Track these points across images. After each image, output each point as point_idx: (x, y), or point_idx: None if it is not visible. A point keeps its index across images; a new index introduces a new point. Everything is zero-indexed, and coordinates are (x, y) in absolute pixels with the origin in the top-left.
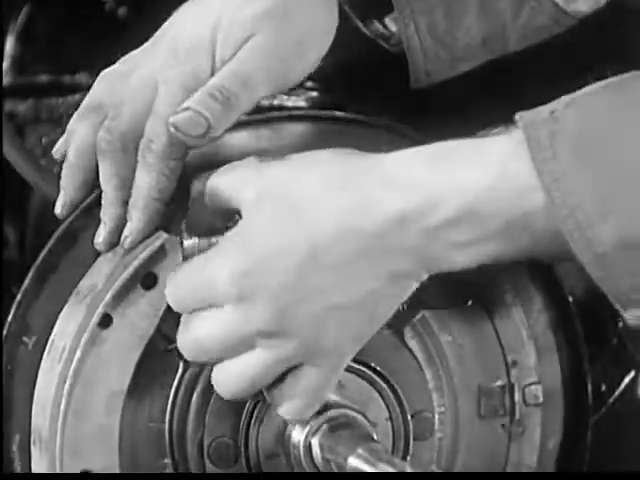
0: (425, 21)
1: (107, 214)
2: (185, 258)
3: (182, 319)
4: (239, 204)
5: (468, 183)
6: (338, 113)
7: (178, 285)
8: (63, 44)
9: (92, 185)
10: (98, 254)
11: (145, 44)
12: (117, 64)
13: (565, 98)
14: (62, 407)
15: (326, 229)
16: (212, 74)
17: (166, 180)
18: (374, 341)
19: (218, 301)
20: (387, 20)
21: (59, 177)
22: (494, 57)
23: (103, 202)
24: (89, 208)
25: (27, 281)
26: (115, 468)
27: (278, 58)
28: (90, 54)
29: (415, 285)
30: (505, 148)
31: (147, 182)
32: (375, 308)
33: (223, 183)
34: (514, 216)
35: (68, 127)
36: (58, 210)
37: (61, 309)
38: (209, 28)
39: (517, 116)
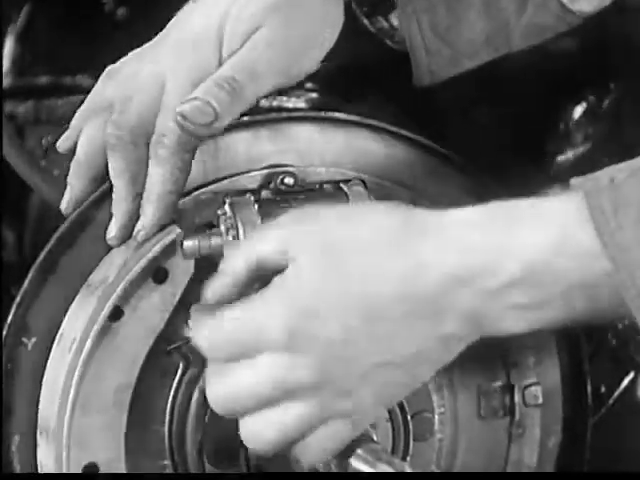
0: (427, 18)
1: (118, 209)
2: (185, 258)
3: (212, 369)
4: (289, 260)
5: (528, 247)
6: (338, 114)
7: (216, 330)
8: (63, 45)
9: (99, 184)
10: (98, 254)
11: (152, 40)
12: (123, 60)
13: (623, 166)
14: (70, 398)
15: (380, 290)
16: (219, 66)
17: (179, 173)
18: None
19: (264, 348)
20: (392, 17)
21: (62, 177)
22: (498, 55)
23: (114, 197)
24: (89, 209)
25: (27, 282)
26: (120, 461)
27: (285, 51)
28: (90, 55)
29: (464, 347)
30: (565, 213)
31: (161, 176)
32: (420, 368)
33: (267, 250)
34: (575, 282)
35: (73, 122)
36: (64, 206)
37: (61, 309)
38: (216, 20)
39: (575, 182)
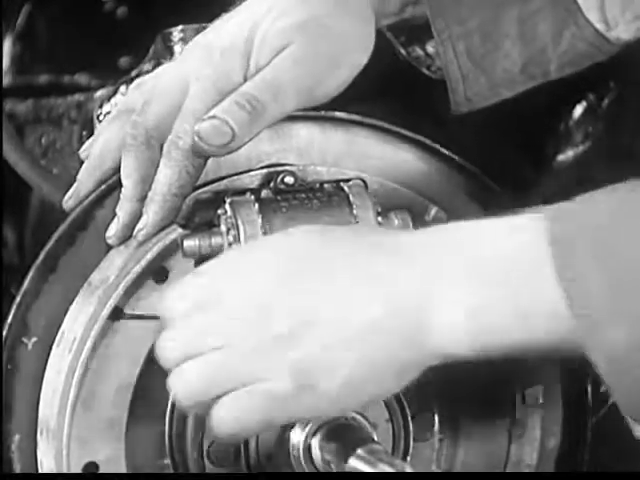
0: (463, 45)
1: (123, 208)
2: (186, 257)
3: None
4: None
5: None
6: (338, 114)
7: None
8: (63, 44)
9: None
10: (99, 254)
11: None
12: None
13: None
14: (71, 397)
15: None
16: (244, 78)
17: (188, 177)
18: None
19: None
20: (428, 46)
21: (62, 176)
22: (535, 84)
23: (121, 196)
24: (89, 208)
25: (27, 281)
26: (121, 461)
27: (311, 71)
28: (90, 54)
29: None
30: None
31: (169, 177)
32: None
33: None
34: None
35: (99, 128)
36: (67, 200)
37: (61, 309)
38: (247, 31)
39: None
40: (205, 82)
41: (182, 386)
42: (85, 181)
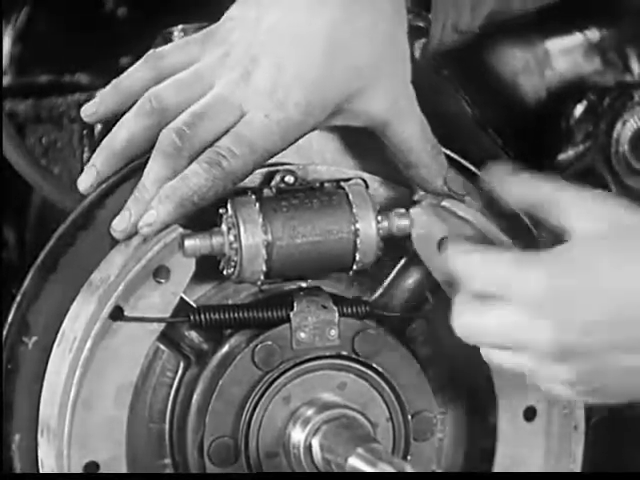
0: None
1: (138, 208)
2: (186, 257)
3: (462, 298)
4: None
5: None
6: None
7: (477, 264)
8: (63, 44)
9: None
10: (99, 253)
11: (216, 52)
12: (186, 72)
13: None
14: (71, 397)
15: None
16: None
17: (214, 195)
18: (375, 342)
19: (514, 298)
20: None
21: (63, 175)
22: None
23: (138, 195)
24: (89, 209)
25: (27, 281)
26: (121, 460)
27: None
28: (90, 54)
29: None
30: None
31: (198, 187)
32: None
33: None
34: None
35: (126, 116)
36: (86, 187)
37: (62, 308)
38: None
39: None
40: (259, 114)
41: None
42: (105, 171)
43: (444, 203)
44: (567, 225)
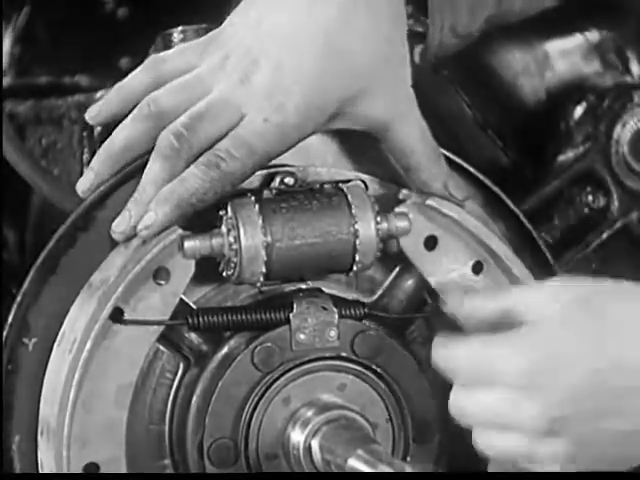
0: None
1: (137, 210)
2: (186, 258)
3: (457, 386)
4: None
5: None
6: None
7: (461, 358)
8: (63, 45)
9: None
10: (99, 255)
11: (216, 56)
12: (186, 76)
13: None
14: (71, 398)
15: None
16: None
17: (213, 197)
18: (375, 343)
19: (499, 382)
20: None
21: (63, 176)
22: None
23: (138, 197)
24: (89, 210)
25: (27, 282)
26: (121, 461)
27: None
28: (90, 55)
29: None
30: None
31: (196, 188)
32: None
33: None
34: None
35: (113, 99)
36: (85, 189)
37: (62, 309)
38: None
39: None
40: (258, 117)
41: None
42: (104, 173)
43: (429, 202)
44: (529, 316)
